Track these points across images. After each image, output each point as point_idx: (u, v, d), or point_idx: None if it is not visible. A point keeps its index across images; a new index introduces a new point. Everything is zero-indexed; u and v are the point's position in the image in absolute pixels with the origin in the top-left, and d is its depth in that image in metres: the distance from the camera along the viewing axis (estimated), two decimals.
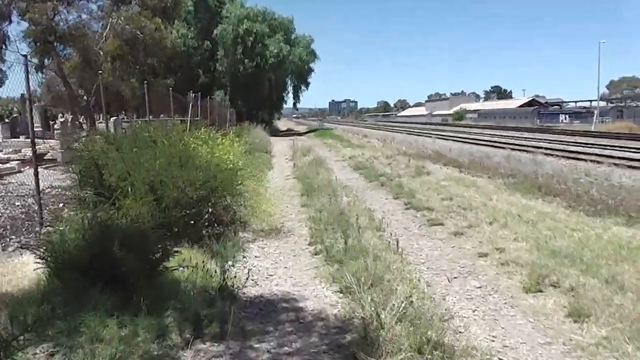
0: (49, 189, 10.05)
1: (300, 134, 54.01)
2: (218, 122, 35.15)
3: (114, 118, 23.82)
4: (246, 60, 45.55)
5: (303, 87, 54.41)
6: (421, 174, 15.97)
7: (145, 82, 19.00)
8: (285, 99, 56.27)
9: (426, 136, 45.85)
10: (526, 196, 11.65)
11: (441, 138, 41.85)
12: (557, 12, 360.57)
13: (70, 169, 7.66)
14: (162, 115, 29.91)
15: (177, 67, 45.03)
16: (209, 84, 47.95)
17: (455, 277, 6.46)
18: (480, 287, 6.11)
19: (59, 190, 8.61)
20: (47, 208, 8.57)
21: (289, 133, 58.74)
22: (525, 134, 45.64)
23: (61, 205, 8.69)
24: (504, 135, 43.91)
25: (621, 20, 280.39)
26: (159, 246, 5.26)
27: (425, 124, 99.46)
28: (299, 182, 15.09)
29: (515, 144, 31.73)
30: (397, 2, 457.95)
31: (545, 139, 37.62)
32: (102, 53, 26.68)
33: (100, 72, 18.04)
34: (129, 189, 6.81)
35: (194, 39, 46.52)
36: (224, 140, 11.44)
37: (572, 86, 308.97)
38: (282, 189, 14.21)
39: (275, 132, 54.60)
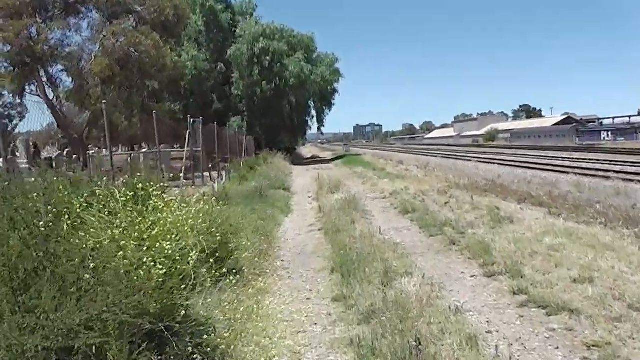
0: None
1: (325, 161, 49.40)
2: (230, 152, 30.84)
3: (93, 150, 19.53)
4: (264, 82, 41.24)
5: (326, 110, 49.89)
6: (500, 220, 11.09)
7: (133, 110, 14.64)
8: (309, 123, 51.79)
9: (464, 159, 41.43)
10: None
11: (482, 161, 37.58)
12: (584, 28, 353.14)
13: None
14: (162, 146, 25.73)
15: (188, 93, 41.08)
16: (224, 110, 43.88)
17: None
18: None
19: None
20: None
21: (313, 160, 54.20)
22: (574, 154, 40.94)
23: None
24: (549, 157, 39.59)
25: None
26: None
27: (456, 145, 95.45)
28: (327, 238, 10.39)
29: (573, 167, 27.48)
30: (416, 23, 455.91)
31: (600, 160, 33.06)
32: (90, 76, 22.57)
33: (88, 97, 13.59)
34: None
35: (207, 61, 42.50)
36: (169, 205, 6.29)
37: (603, 102, 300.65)
38: (301, 253, 9.49)
39: (299, 160, 50.11)
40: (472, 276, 7.42)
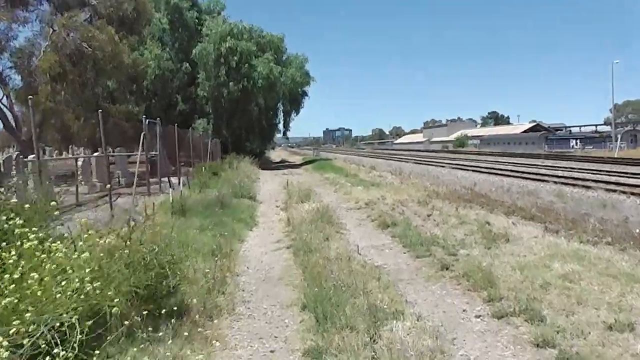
0: None
1: (295, 166, 47.77)
2: (195, 156, 29.03)
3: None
4: (231, 83, 39.32)
5: (294, 114, 48.14)
6: (494, 238, 9.72)
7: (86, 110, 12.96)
8: (279, 127, 49.87)
9: (437, 165, 40.59)
10: None
11: (456, 168, 36.84)
12: (551, 36, 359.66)
13: None
14: (118, 149, 23.80)
15: (151, 93, 39.01)
16: (189, 112, 41.86)
17: None
18: None
19: None
20: None
21: (283, 165, 52.48)
22: (546, 162, 40.56)
23: None
24: (523, 164, 39.11)
25: (622, 43, 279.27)
26: None
27: (426, 151, 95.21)
28: (296, 259, 8.84)
29: (550, 175, 27.09)
30: (386, 29, 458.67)
31: (574, 168, 32.74)
32: (39, 72, 20.56)
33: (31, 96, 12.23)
34: None
35: (171, 60, 40.46)
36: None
37: (570, 111, 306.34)
38: (266, 280, 7.90)
39: (267, 165, 48.39)
40: (477, 316, 5.95)
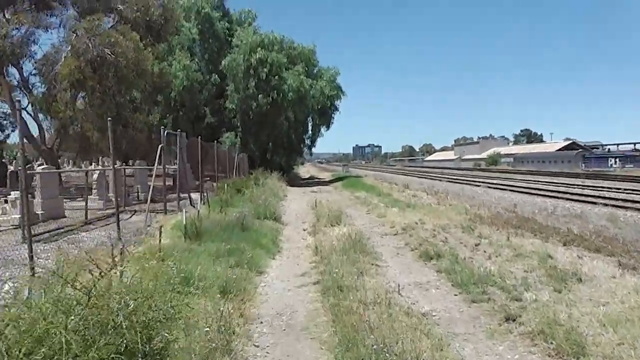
0: None
1: (324, 183, 46.29)
2: (220, 171, 27.79)
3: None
4: (260, 96, 38.11)
5: (324, 129, 46.52)
6: (563, 278, 8.07)
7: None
8: (307, 141, 48.36)
9: (472, 184, 38.70)
10: None
11: (491, 187, 34.98)
12: (585, 53, 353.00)
13: None
14: (137, 162, 22.68)
15: (179, 105, 38.10)
16: (217, 125, 40.85)
17: None
18: None
19: None
20: None
21: (311, 181, 51.03)
22: (587, 182, 38.58)
23: None
24: (562, 184, 36.70)
25: None
26: None
27: (458, 169, 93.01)
28: (325, 301, 7.30)
29: (596, 196, 25.23)
30: (417, 44, 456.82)
31: (618, 188, 30.49)
32: (58, 79, 19.59)
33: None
34: None
35: (200, 71, 39.56)
36: None
37: (606, 129, 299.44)
38: (287, 330, 6.39)
39: (295, 181, 47.01)
40: None
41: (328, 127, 46.32)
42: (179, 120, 38.08)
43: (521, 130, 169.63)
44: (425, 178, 53.21)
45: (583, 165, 75.34)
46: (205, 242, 10.52)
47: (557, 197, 26.15)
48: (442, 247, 11.02)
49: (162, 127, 14.86)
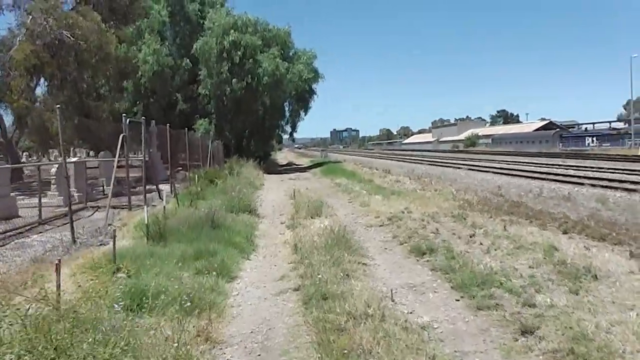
0: None
1: (302, 169, 45.09)
2: (193, 160, 26.43)
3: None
4: (234, 80, 36.58)
5: (302, 113, 45.23)
6: (576, 275, 7.13)
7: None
8: (285, 128, 47.02)
9: (453, 167, 37.96)
10: None
11: (473, 169, 34.31)
12: (558, 33, 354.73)
13: None
14: (101, 154, 21.24)
15: (149, 92, 36.50)
16: (190, 112, 39.25)
17: None
18: None
19: None
20: None
21: (289, 168, 49.75)
22: (568, 161, 38.18)
23: None
24: (543, 164, 36.26)
25: (631, 38, 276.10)
26: None
27: (437, 151, 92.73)
28: (307, 315, 6.19)
29: (579, 176, 24.61)
30: (392, 28, 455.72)
31: (600, 168, 29.81)
32: (13, 65, 18.03)
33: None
34: None
35: (171, 56, 37.87)
36: None
37: (580, 108, 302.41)
38: (261, 355, 5.28)
39: (273, 168, 45.76)
40: None
41: (306, 112, 45.19)
42: (150, 107, 36.53)
43: (497, 111, 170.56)
44: (404, 162, 52.44)
45: (560, 145, 75.83)
46: (170, 243, 9.37)
47: (541, 179, 25.47)
48: (433, 239, 10.02)
49: (124, 114, 13.54)
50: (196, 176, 17.73)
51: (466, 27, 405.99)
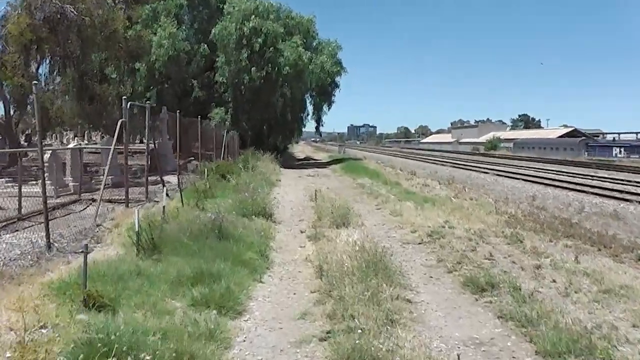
0: None
1: (321, 165, 43.14)
2: (206, 150, 24.67)
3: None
4: (253, 69, 34.60)
5: (325, 107, 43.12)
6: None
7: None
8: (305, 121, 44.88)
9: (479, 171, 35.97)
10: None
11: (500, 175, 32.56)
12: (584, 41, 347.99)
13: None
14: (104, 140, 19.51)
15: (164, 77, 34.77)
16: (206, 100, 37.39)
17: None
18: None
19: None
20: None
21: (307, 163, 47.81)
22: (600, 172, 35.76)
23: None
24: (574, 174, 34.00)
25: None
26: None
27: (457, 152, 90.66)
28: None
29: (619, 190, 22.89)
30: (413, 27, 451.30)
31: (635, 182, 27.45)
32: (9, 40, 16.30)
33: None
34: None
35: (187, 41, 35.96)
36: None
37: (603, 117, 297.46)
38: None
39: (290, 162, 43.94)
40: None
41: (330, 106, 43.07)
42: (164, 93, 34.77)
43: (519, 115, 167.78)
44: (425, 162, 50.63)
45: (586, 153, 73.22)
46: (166, 257, 7.54)
47: (578, 190, 23.57)
48: (489, 268, 8.07)
49: (124, 97, 11.70)
50: (205, 170, 15.88)
51: (489, 31, 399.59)
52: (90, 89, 17.75)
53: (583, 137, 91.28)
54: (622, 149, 72.56)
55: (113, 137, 16.60)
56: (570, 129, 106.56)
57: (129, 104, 11.53)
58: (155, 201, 12.98)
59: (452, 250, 9.30)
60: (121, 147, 13.89)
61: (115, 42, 18.27)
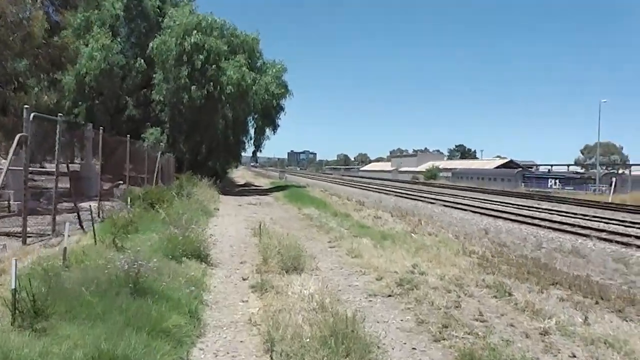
0: None
1: (263, 192, 40.95)
2: (137, 174, 22.30)
3: None
4: (193, 87, 32.30)
5: (269, 131, 41.04)
6: None
7: None
8: (248, 144, 42.61)
9: (425, 201, 35.22)
10: None
11: (447, 205, 31.86)
12: (514, 71, 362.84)
13: None
14: (9, 158, 16.86)
15: (95, 92, 32.03)
16: (141, 119, 34.77)
17: None
18: None
19: None
20: None
21: (247, 190, 45.45)
22: (543, 204, 35.67)
23: None
24: (520, 205, 33.91)
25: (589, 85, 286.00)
26: None
27: (397, 181, 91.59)
28: None
29: (570, 224, 22.70)
30: (351, 55, 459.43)
31: (585, 215, 27.64)
32: None
33: None
34: None
35: (123, 54, 33.42)
36: None
37: (535, 149, 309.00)
38: None
39: (230, 188, 41.65)
40: None
41: (274, 130, 41.02)
42: (95, 110, 32.07)
43: (456, 146, 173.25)
44: (368, 190, 49.72)
45: (522, 184, 74.94)
46: (55, 325, 5.36)
47: (529, 224, 23.10)
48: (486, 334, 6.31)
49: (26, 106, 9.44)
50: (129, 198, 13.56)
51: (419, 61, 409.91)
52: (2, 98, 15.22)
53: (520, 169, 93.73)
54: (557, 181, 74.61)
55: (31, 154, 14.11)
56: (506, 160, 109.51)
57: (32, 115, 9.25)
58: (63, 235, 10.62)
59: (432, 306, 7.51)
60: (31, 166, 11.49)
61: (33, 47, 15.77)
